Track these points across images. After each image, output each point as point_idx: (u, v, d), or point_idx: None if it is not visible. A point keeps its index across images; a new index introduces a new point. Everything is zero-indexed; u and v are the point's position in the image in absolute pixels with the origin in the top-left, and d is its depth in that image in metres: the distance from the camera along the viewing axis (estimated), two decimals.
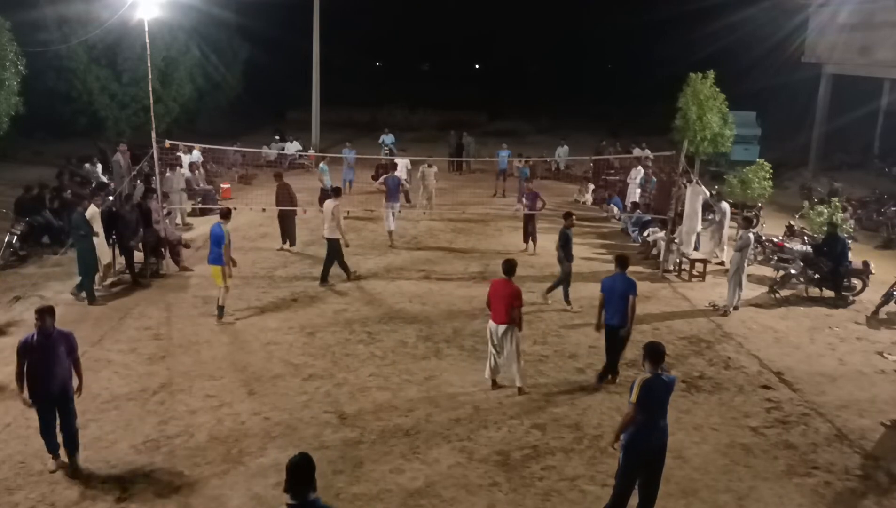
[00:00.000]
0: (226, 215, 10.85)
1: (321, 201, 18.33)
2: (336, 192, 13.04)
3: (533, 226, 15.05)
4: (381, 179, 17.57)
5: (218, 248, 10.53)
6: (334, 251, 12.57)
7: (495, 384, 8.86)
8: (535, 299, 12.04)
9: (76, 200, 15.25)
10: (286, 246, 14.81)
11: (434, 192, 18.84)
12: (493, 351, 8.70)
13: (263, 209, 15.37)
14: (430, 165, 18.93)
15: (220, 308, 10.80)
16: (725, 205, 14.63)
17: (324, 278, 12.65)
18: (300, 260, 14.23)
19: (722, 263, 14.55)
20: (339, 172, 21.11)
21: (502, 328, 8.50)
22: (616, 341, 8.88)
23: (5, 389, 8.30)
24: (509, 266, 8.65)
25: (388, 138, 25.79)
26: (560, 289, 11.85)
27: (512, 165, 21.99)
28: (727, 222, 14.89)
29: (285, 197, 14.80)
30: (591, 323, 9.31)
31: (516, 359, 8.64)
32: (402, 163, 20.96)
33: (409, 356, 9.79)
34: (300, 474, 4.19)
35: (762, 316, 11.86)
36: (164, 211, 13.52)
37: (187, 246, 14.37)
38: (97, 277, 11.83)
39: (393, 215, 15.65)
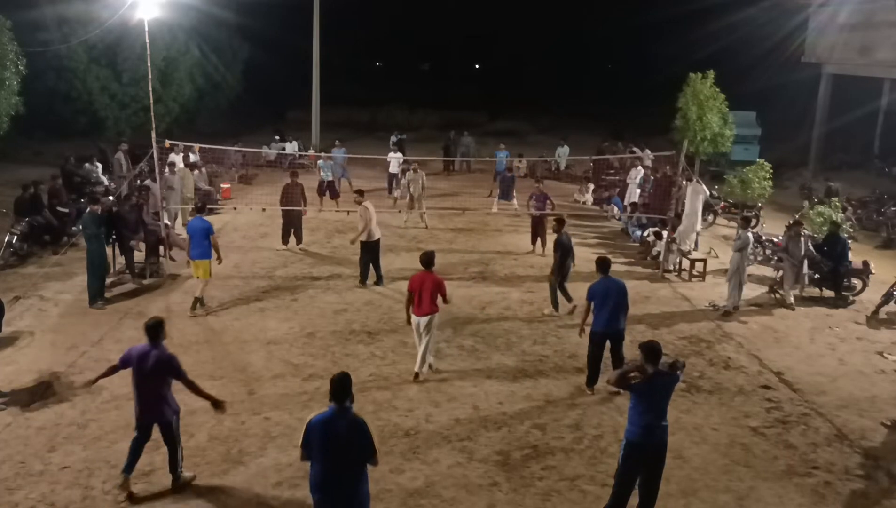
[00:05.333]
0: (201, 209, 11.55)
1: (320, 192, 18.49)
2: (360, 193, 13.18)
3: (542, 228, 14.94)
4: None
5: (207, 241, 10.86)
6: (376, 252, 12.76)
7: (418, 377, 8.98)
8: (535, 299, 12.06)
9: (81, 201, 15.30)
10: (285, 246, 14.78)
11: (421, 201, 17.15)
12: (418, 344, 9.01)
13: (263, 209, 15.36)
14: (414, 170, 17.17)
15: (197, 300, 11.10)
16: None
17: (379, 278, 12.75)
18: (300, 260, 14.22)
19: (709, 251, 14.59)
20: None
21: (425, 319, 8.78)
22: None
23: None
24: (429, 258, 8.96)
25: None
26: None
27: (512, 164, 21.98)
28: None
29: (297, 195, 14.77)
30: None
31: (430, 345, 8.97)
32: (396, 160, 20.71)
33: (409, 356, 9.76)
34: (340, 387, 5.25)
35: (762, 316, 11.86)
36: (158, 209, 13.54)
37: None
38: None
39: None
